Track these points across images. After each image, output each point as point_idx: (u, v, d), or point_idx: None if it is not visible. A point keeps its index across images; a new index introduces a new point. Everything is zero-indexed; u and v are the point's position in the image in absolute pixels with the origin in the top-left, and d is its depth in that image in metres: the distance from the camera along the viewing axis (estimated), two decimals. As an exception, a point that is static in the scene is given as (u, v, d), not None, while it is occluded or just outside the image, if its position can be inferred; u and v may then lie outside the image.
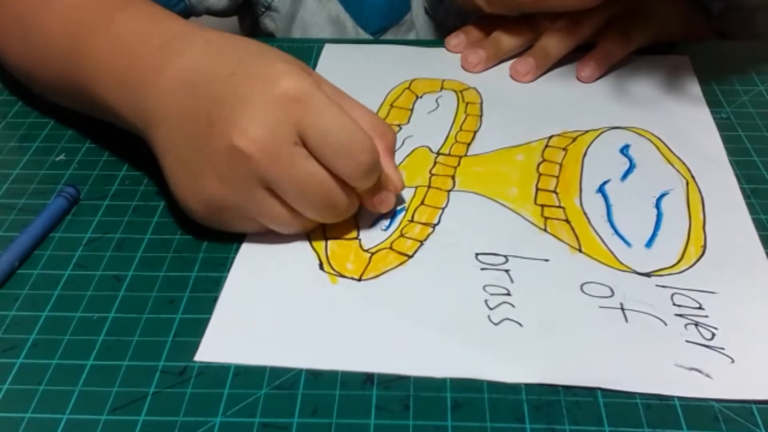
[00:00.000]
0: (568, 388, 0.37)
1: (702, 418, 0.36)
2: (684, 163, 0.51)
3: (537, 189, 0.49)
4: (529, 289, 0.42)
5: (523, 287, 0.42)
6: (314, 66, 0.60)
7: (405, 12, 0.67)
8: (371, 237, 0.45)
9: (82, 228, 0.46)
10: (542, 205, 0.47)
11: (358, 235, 0.45)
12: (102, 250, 0.45)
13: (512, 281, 0.42)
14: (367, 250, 0.44)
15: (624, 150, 0.52)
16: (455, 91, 0.58)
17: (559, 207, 0.47)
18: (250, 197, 0.42)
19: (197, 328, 0.40)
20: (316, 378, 0.38)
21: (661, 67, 0.60)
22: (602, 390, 0.37)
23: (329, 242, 0.45)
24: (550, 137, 0.53)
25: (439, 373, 0.38)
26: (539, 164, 0.51)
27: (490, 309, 0.41)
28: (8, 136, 0.55)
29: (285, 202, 0.42)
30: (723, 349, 0.39)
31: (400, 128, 0.54)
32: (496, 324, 0.40)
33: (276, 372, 0.38)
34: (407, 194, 0.48)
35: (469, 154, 0.52)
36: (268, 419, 0.36)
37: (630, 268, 0.43)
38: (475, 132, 0.54)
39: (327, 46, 0.62)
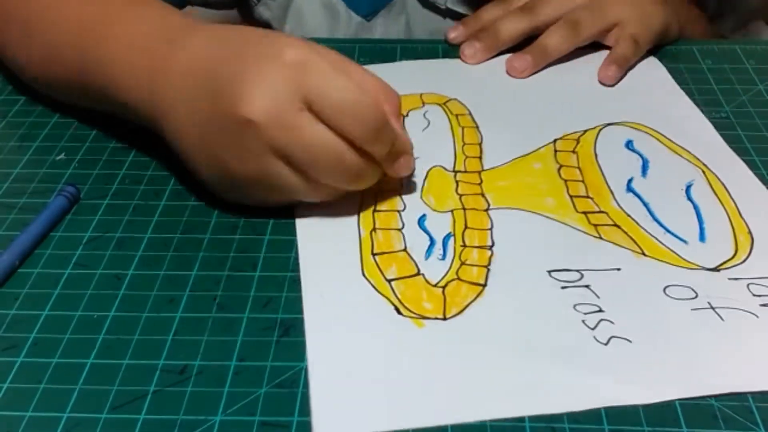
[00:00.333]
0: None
1: (701, 417, 0.36)
2: (691, 153, 0.51)
3: (571, 196, 0.48)
4: (617, 302, 0.41)
5: (611, 300, 0.41)
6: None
7: None
8: (433, 269, 0.43)
9: (82, 227, 0.47)
10: (585, 213, 0.47)
11: (419, 270, 0.43)
12: (102, 249, 0.45)
13: (598, 296, 0.42)
14: (436, 285, 0.42)
15: (629, 145, 0.52)
16: (439, 105, 0.57)
17: (601, 212, 0.47)
18: (267, 169, 0.43)
19: (197, 327, 0.40)
20: (316, 377, 0.38)
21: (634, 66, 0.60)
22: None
23: (394, 283, 0.42)
24: (555, 141, 0.53)
25: (559, 408, 0.36)
26: (559, 170, 0.50)
27: (592, 329, 0.40)
28: (9, 136, 0.55)
29: (301, 171, 0.43)
30: None
31: None
32: (605, 344, 0.39)
33: (276, 370, 0.38)
34: (445, 219, 0.47)
35: (485, 168, 0.51)
36: (267, 418, 0.36)
37: (699, 265, 0.43)
38: (479, 144, 0.53)
39: None
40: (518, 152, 0.52)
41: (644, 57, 0.61)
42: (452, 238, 0.45)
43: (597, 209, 0.47)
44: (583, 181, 0.50)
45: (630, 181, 0.49)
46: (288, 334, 0.40)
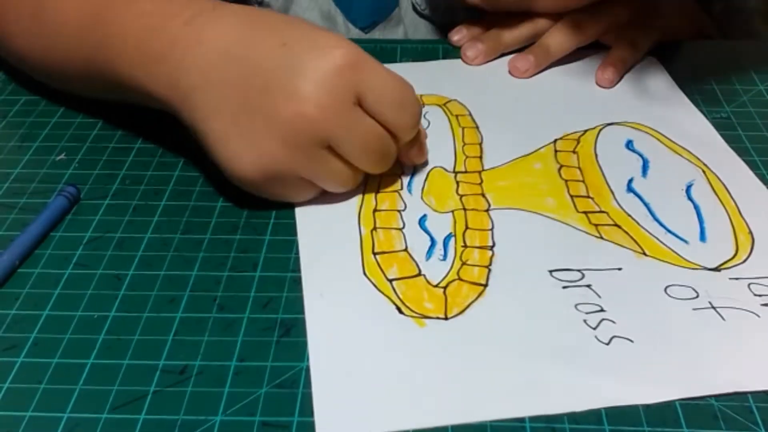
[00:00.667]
0: (568, 387, 0.37)
1: (701, 417, 0.36)
2: (691, 153, 0.51)
3: (571, 196, 0.48)
4: (619, 302, 0.41)
5: (613, 300, 0.41)
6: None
7: (393, 7, 0.68)
8: (433, 270, 0.43)
9: (82, 227, 0.47)
10: (585, 212, 0.47)
11: (420, 271, 0.43)
12: (102, 249, 0.45)
13: (599, 296, 0.42)
14: (437, 286, 0.42)
15: (629, 145, 0.52)
16: (439, 106, 0.57)
17: (602, 212, 0.47)
18: (311, 157, 0.44)
19: (197, 327, 0.40)
20: (316, 377, 0.38)
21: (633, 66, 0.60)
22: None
23: (395, 283, 0.42)
24: (555, 141, 0.53)
25: (561, 408, 0.36)
26: (559, 170, 0.50)
27: (593, 329, 0.40)
28: (9, 136, 0.55)
29: (344, 159, 0.45)
30: None
31: None
32: (607, 344, 0.39)
33: (276, 371, 0.38)
34: (445, 220, 0.47)
35: (485, 168, 0.51)
36: (268, 418, 0.36)
37: (699, 265, 0.43)
38: (479, 144, 0.53)
39: None
40: (518, 152, 0.52)
41: (644, 57, 0.61)
42: (453, 239, 0.45)
43: (597, 209, 0.47)
44: (583, 181, 0.50)
45: (630, 181, 0.49)
46: (288, 334, 0.40)
